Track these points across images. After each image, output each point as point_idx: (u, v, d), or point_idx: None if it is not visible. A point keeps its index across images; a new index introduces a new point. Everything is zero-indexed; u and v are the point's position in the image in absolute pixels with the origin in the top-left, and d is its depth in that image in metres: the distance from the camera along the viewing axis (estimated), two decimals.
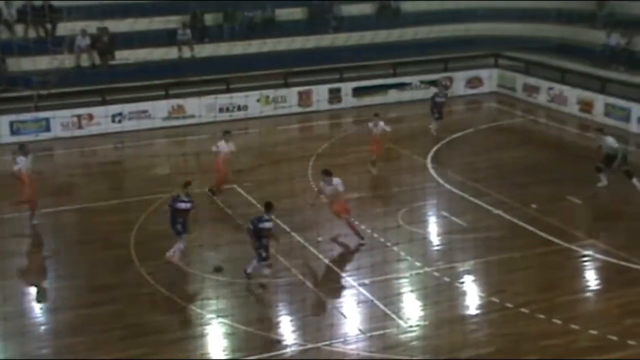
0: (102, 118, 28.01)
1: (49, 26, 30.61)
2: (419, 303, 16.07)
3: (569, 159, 24.55)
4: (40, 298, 16.79)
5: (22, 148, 20.12)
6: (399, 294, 16.30)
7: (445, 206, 20.53)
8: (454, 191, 21.78)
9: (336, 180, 18.24)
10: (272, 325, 15.35)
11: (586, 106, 28.62)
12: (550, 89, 30.24)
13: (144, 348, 14.41)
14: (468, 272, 17.20)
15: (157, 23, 31.39)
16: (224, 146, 21.57)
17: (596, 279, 17.16)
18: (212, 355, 14.45)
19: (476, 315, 15.54)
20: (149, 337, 14.79)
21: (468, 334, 14.75)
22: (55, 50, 28.70)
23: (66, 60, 29.67)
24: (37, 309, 16.33)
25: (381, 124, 23.26)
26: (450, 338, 14.63)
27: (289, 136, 28.21)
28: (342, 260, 17.84)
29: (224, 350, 14.56)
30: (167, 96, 29.23)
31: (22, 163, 19.73)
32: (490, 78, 32.64)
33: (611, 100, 27.77)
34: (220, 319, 15.38)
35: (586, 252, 17.89)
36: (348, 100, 31.07)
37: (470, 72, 32.76)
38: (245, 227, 16.96)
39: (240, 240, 18.86)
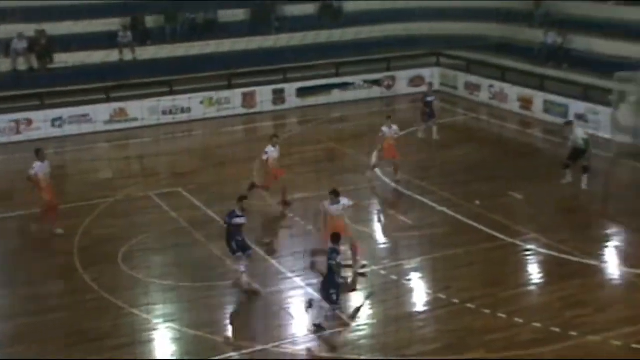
0: (41, 123, 27.55)
1: None
2: (367, 302, 16.15)
3: (510, 155, 24.93)
4: None
5: (39, 153, 19.60)
6: (347, 293, 16.35)
7: (391, 204, 20.66)
8: (399, 189, 21.95)
9: (344, 200, 17.09)
10: (220, 328, 15.27)
11: (526, 103, 29.10)
12: (491, 86, 30.68)
13: (89, 355, 14.18)
14: (414, 270, 17.34)
15: (97, 25, 31.04)
16: (272, 150, 20.62)
17: (539, 273, 17.45)
18: None
19: (423, 312, 15.68)
20: (94, 343, 14.57)
21: (415, 331, 14.87)
22: None
23: (2, 64, 29.11)
24: None
25: (394, 127, 22.45)
26: (398, 335, 14.74)
27: (234, 138, 28.12)
28: (289, 261, 17.82)
29: (172, 355, 14.43)
30: (108, 99, 28.85)
31: (39, 168, 19.25)
32: (432, 77, 32.98)
33: (550, 97, 28.30)
34: (168, 324, 15.24)
35: (529, 247, 18.19)
36: (292, 100, 31.08)
37: (412, 71, 33.03)
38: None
39: (186, 243, 18.76)
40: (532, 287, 16.79)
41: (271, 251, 18.02)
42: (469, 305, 15.50)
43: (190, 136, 27.97)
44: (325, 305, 14.75)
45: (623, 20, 29.33)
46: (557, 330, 14.49)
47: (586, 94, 27.11)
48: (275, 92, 30.93)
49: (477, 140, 25.97)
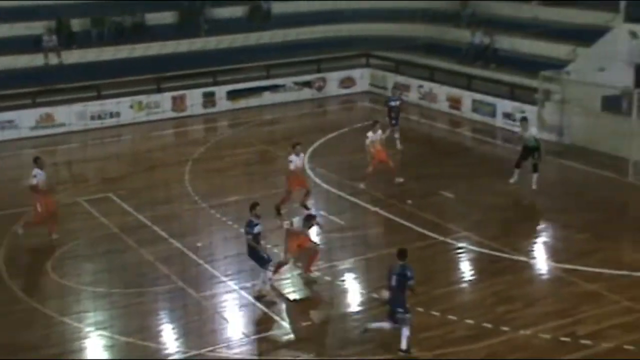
0: None
1: None
2: (301, 304, 16.15)
3: (440, 154, 25.27)
4: None
5: (38, 161, 19.09)
6: (281, 295, 16.34)
7: (324, 205, 20.70)
8: (332, 190, 22.01)
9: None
10: (154, 334, 15.06)
11: (455, 103, 29.51)
12: (420, 86, 31.01)
13: None
14: (348, 270, 17.41)
15: (20, 29, 30.36)
16: (296, 159, 19.99)
17: (470, 270, 17.71)
18: None
19: (357, 312, 15.74)
20: (25, 354, 14.25)
21: (350, 331, 14.92)
22: None
23: None
24: None
25: (379, 131, 22.00)
26: (333, 336, 14.79)
27: (164, 142, 27.81)
28: (222, 264, 17.71)
29: None
30: (34, 105, 28.22)
31: (40, 177, 18.79)
32: (362, 78, 33.19)
33: (478, 96, 28.75)
34: (99, 331, 14.99)
35: (460, 245, 18.45)
36: (223, 103, 30.88)
37: (342, 73, 33.18)
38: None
39: (117, 249, 18.48)
40: (464, 285, 17.03)
41: (204, 256, 17.89)
42: None
43: (119, 141, 27.56)
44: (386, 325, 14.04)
45: (546, 20, 30.00)
46: (489, 325, 14.73)
47: (513, 93, 27.65)
48: (205, 95, 30.69)
49: (408, 140, 26.19)
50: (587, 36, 27.16)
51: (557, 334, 14.22)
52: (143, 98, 29.52)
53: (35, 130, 27.86)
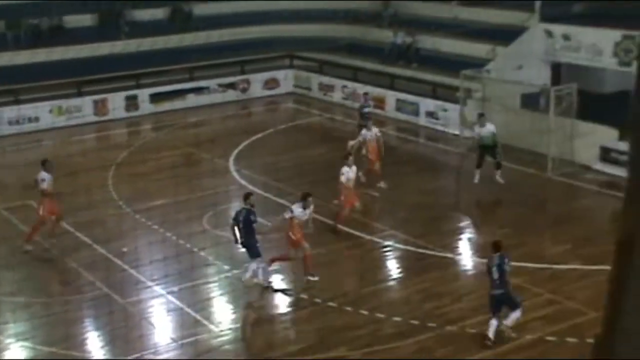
0: None
1: None
2: (230, 306, 16.06)
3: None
4: None
5: (45, 164, 18.48)
6: (209, 298, 16.20)
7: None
8: (258, 192, 21.89)
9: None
10: (78, 342, 14.73)
11: (379, 102, 29.72)
12: (344, 87, 31.19)
13: None
14: (276, 272, 17.34)
15: None
16: (348, 171, 19.30)
17: (397, 268, 17.87)
18: None
19: (286, 313, 15.73)
20: None
21: (279, 332, 14.90)
22: None
23: None
24: None
25: (375, 129, 21.90)
26: (262, 338, 14.73)
27: (86, 146, 27.26)
28: (148, 269, 17.43)
29: None
30: None
31: (49, 180, 18.22)
32: (286, 79, 33.18)
33: (401, 95, 29.06)
34: (20, 342, 14.58)
35: (387, 243, 18.60)
36: (146, 106, 30.44)
37: (266, 74, 33.13)
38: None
39: (39, 257, 18.02)
40: (392, 282, 17.17)
41: (129, 261, 17.60)
42: (331, 304, 15.67)
43: (39, 146, 26.87)
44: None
45: (466, 20, 30.53)
46: (416, 322, 14.88)
47: (435, 91, 28.04)
48: (127, 98, 30.21)
49: (333, 140, 26.30)
50: (505, 36, 27.73)
51: (483, 328, 14.43)
52: (63, 102, 28.89)
53: None
